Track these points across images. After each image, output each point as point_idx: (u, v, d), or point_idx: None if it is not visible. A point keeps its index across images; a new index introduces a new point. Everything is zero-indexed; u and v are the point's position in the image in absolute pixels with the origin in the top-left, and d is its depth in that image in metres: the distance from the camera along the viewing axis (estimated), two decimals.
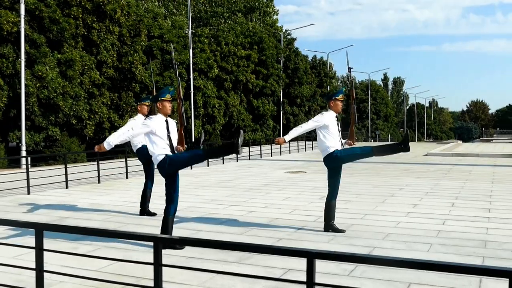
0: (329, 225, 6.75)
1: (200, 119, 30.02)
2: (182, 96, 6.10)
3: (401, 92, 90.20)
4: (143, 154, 7.77)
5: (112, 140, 6.03)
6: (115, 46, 23.84)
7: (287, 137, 6.68)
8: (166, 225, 5.87)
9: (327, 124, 6.53)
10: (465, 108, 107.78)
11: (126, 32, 24.29)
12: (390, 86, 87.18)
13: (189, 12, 28.02)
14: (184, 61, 27.56)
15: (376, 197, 9.72)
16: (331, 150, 6.51)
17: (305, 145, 25.98)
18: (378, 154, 6.79)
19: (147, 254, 5.28)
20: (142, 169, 8.55)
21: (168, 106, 5.96)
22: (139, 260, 4.20)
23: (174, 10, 35.99)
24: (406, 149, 6.45)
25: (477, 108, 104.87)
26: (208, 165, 16.79)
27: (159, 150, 5.77)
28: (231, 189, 11.08)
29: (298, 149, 24.71)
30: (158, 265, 3.05)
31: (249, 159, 19.62)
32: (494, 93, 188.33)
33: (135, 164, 15.65)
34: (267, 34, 36.58)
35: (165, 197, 5.96)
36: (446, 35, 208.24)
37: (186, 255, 5.49)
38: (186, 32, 27.94)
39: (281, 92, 37.27)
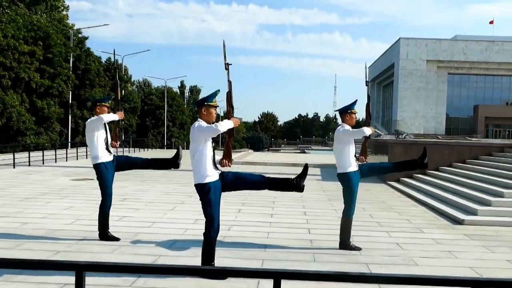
0: (346, 245, 6.25)
1: None
2: (232, 102, 5.07)
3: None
4: (103, 166, 6.27)
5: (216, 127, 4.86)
6: None
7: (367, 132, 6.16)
8: (211, 250, 5.01)
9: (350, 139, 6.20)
10: (257, 119, 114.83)
11: None
12: (186, 94, 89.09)
13: None
14: None
15: (166, 204, 9.61)
16: (352, 168, 6.14)
17: None
18: (398, 170, 6.80)
19: None
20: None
21: (214, 113, 5.00)
22: None
23: None
24: (424, 165, 6.39)
25: (268, 119, 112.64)
26: None
27: (208, 164, 4.90)
28: (3, 199, 9.78)
29: (86, 155, 23.26)
30: None
31: (29, 165, 17.75)
32: (282, 106, 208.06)
33: None
34: (54, 30, 33.75)
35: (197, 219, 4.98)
36: (242, 49, 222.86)
37: None
38: None
39: (70, 94, 34.83)
